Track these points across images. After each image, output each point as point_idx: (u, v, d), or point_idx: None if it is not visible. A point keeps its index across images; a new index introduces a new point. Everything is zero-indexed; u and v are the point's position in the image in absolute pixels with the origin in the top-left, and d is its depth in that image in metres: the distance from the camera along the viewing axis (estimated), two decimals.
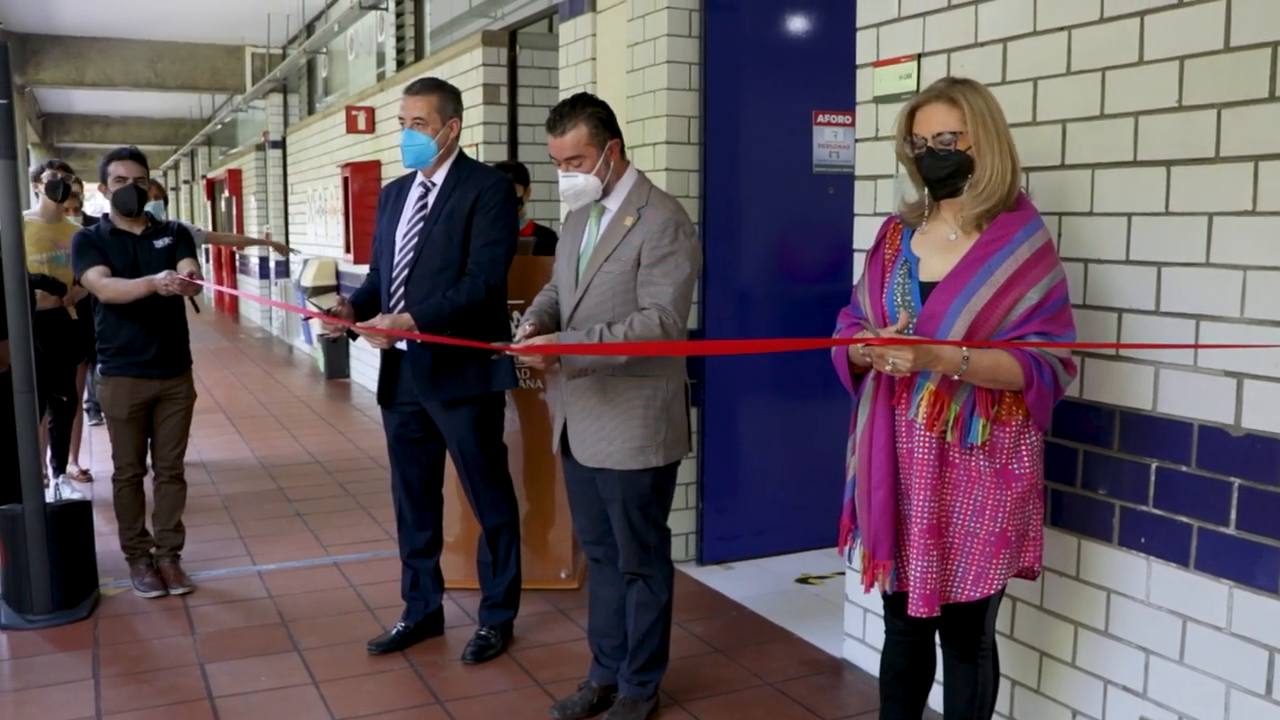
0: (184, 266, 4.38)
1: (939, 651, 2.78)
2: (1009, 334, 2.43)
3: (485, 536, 3.91)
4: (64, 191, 5.91)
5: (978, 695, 2.69)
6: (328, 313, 3.70)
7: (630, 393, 3.14)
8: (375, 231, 3.88)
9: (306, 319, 3.74)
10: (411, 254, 3.66)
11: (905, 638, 2.74)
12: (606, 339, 3.00)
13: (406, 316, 3.52)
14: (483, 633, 3.93)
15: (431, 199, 3.70)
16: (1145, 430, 2.71)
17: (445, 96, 3.70)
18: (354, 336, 3.68)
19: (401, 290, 3.67)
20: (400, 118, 3.70)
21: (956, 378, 2.42)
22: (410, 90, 3.70)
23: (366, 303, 3.79)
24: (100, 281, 4.30)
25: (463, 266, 3.64)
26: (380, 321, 3.50)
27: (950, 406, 2.47)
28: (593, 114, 3.14)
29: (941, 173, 2.50)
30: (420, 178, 3.74)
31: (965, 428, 2.48)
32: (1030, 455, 2.53)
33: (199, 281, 4.34)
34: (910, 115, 2.54)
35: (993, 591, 2.53)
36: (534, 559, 4.49)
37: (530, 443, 4.51)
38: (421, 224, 3.68)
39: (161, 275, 4.23)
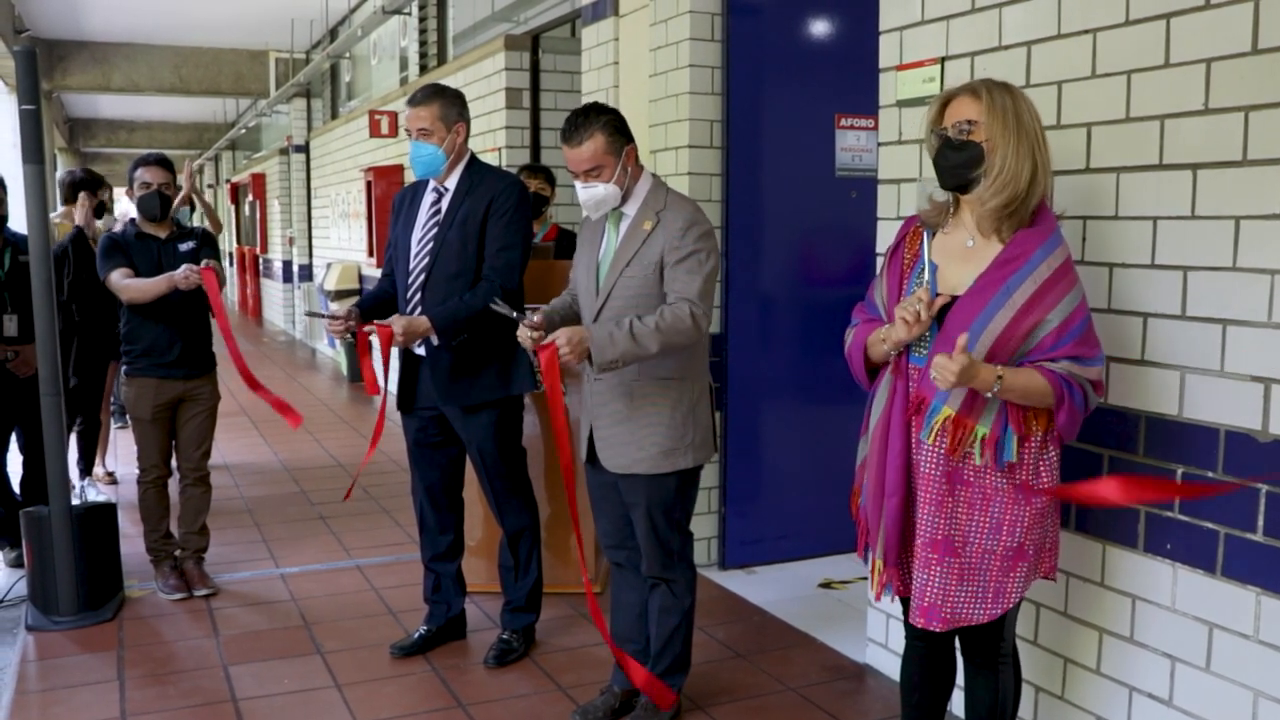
0: None
1: (959, 658, 2.76)
2: (1041, 360, 2.40)
3: (506, 540, 3.92)
4: (99, 209, 6.07)
5: (998, 702, 2.67)
6: (337, 316, 3.69)
7: (656, 397, 3.14)
8: (389, 237, 3.88)
9: (309, 314, 3.83)
10: (427, 259, 3.67)
11: (923, 645, 2.73)
12: (638, 329, 2.99)
13: (424, 320, 3.53)
14: (504, 636, 3.93)
15: (445, 204, 3.70)
16: (1171, 436, 2.69)
17: (447, 102, 3.67)
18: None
19: (418, 296, 3.67)
20: (407, 130, 3.70)
21: (989, 395, 2.39)
22: (412, 101, 3.67)
23: (373, 308, 3.79)
24: (122, 283, 4.36)
25: (478, 271, 3.64)
26: (395, 322, 3.51)
27: (975, 430, 2.45)
28: (607, 122, 3.14)
29: (953, 162, 2.48)
30: (433, 183, 3.74)
31: (999, 447, 2.46)
32: (1049, 471, 2.51)
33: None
34: (941, 109, 2.53)
35: (1010, 606, 2.53)
36: (555, 563, 4.49)
37: (551, 446, 4.51)
38: (436, 230, 3.68)
39: (180, 270, 4.26)
